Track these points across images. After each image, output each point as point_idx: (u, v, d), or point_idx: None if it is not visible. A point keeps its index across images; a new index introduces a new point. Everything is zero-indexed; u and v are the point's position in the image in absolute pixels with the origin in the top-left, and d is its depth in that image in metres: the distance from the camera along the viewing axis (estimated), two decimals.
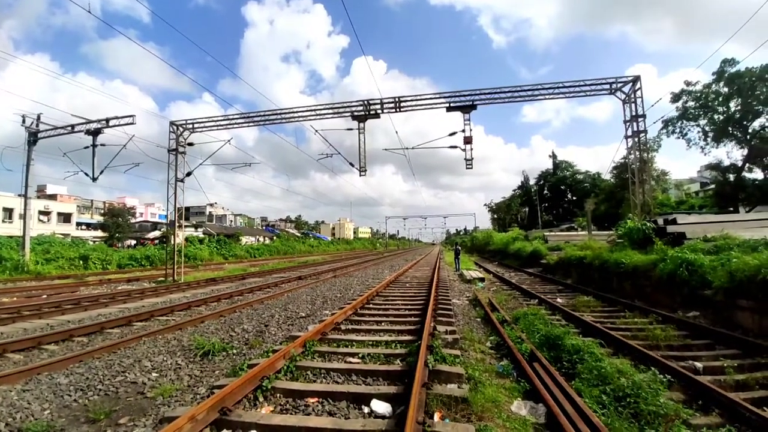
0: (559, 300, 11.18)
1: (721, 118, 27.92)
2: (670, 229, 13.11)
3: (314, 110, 18.72)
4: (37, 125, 20.58)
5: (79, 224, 55.56)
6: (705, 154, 30.20)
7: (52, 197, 55.14)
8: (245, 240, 56.30)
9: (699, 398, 4.48)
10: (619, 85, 16.18)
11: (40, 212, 48.07)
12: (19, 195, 26.62)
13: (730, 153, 29.18)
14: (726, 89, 27.14)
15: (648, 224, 13.73)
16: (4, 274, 19.97)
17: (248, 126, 20.45)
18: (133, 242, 46.91)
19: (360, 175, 18.63)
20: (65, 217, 52.64)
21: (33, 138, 20.65)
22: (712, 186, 34.45)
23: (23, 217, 21.51)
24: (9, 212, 44.10)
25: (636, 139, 16.03)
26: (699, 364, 5.53)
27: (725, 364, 5.44)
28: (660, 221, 14.40)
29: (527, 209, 68.06)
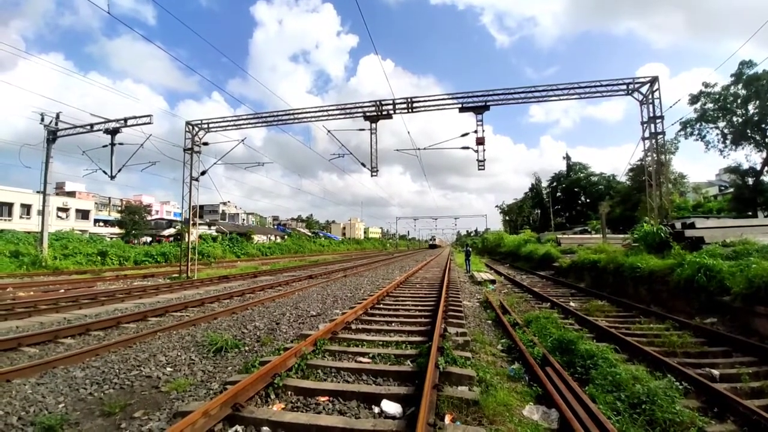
0: (572, 304, 11.03)
1: (740, 120, 27.30)
2: (688, 233, 12.84)
3: (325, 110, 18.80)
4: (56, 124, 21.08)
5: (96, 221, 56.80)
6: (724, 157, 29.61)
7: (71, 194, 56.51)
8: (257, 238, 56.81)
9: (715, 406, 4.43)
10: (637, 85, 15.89)
11: (59, 209, 49.28)
12: (38, 192, 27.32)
13: (749, 156, 28.58)
14: (744, 91, 26.54)
15: (665, 228, 13.46)
16: (22, 269, 20.48)
17: (260, 126, 20.64)
18: (149, 239, 47.77)
19: (372, 176, 18.63)
20: (83, 214, 53.93)
21: (52, 136, 21.16)
22: (731, 190, 33.67)
23: (42, 213, 22.04)
24: (27, 208, 45.30)
25: (653, 141, 15.73)
26: (716, 372, 5.44)
27: (741, 372, 5.37)
28: (678, 225, 14.11)
29: (539, 211, 67.28)
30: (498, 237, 50.71)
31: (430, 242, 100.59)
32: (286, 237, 67.55)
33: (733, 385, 5.01)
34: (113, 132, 19.68)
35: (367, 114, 17.89)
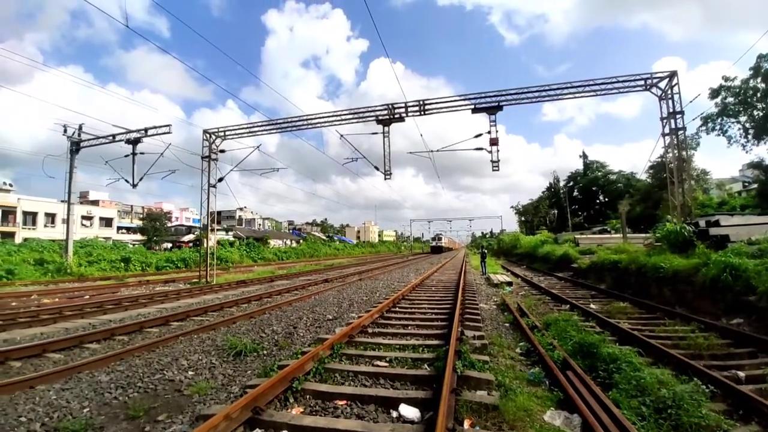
0: (592, 306, 10.81)
1: (761, 114, 26.40)
2: (713, 231, 12.45)
3: (338, 115, 18.94)
4: (79, 135, 21.82)
5: (119, 228, 58.41)
6: (747, 152, 28.59)
7: (95, 203, 58.35)
8: (273, 243, 57.50)
9: (740, 408, 4.35)
10: (655, 80, 15.55)
11: (83, 217, 50.86)
12: (62, 201, 28.32)
13: None
14: (763, 85, 25.69)
15: (688, 227, 13.08)
16: (47, 276, 21.11)
17: (274, 132, 20.98)
18: (170, 245, 48.85)
19: (385, 179, 18.70)
20: (107, 222, 55.56)
21: (75, 147, 21.89)
22: (755, 185, 32.52)
23: (66, 221, 22.77)
24: (51, 217, 46.95)
25: (674, 137, 15.33)
26: (741, 374, 5.33)
27: (767, 372, 5.27)
28: (701, 223, 13.71)
29: (556, 211, 66.20)
30: (514, 238, 50.09)
31: (433, 243, 72.13)
32: (301, 241, 68.12)
33: (758, 386, 4.91)
34: (134, 142, 20.28)
35: (380, 117, 17.96)
